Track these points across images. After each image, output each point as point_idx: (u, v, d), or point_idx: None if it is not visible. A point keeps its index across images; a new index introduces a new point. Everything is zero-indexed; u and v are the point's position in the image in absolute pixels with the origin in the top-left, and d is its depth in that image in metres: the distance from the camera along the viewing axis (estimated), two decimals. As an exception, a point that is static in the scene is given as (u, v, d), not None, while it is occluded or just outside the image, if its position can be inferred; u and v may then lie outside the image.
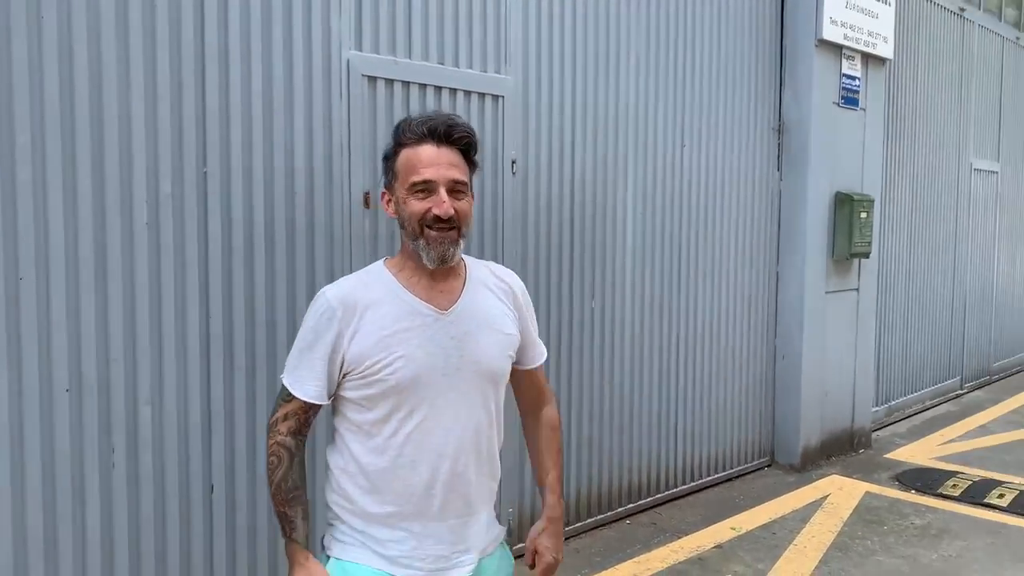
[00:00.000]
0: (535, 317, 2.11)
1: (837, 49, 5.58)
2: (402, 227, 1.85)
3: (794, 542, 4.38)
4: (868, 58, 5.86)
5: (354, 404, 1.82)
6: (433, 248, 1.78)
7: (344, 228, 3.35)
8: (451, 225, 1.79)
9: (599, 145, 4.40)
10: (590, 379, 4.43)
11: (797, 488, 5.23)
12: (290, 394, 1.82)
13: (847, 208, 5.63)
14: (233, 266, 3.05)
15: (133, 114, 2.77)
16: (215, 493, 3.05)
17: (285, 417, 1.83)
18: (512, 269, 3.40)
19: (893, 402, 6.97)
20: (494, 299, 1.94)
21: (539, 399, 2.12)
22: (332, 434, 1.94)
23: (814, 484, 5.33)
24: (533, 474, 2.17)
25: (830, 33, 5.43)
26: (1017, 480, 5.37)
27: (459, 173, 1.82)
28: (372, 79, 3.41)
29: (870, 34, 5.79)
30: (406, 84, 3.52)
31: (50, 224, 2.62)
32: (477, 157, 1.93)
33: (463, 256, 1.93)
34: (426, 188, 1.78)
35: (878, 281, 6.34)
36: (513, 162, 3.95)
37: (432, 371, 1.79)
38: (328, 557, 1.88)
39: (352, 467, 1.83)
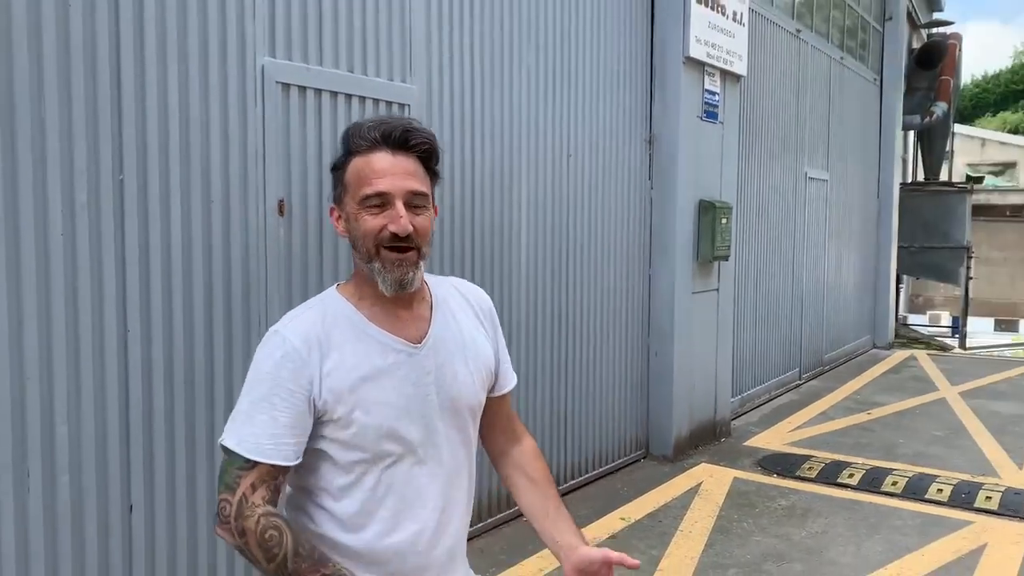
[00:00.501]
0: (499, 326, 1.88)
1: (700, 66, 5.99)
2: (354, 247, 1.60)
3: (680, 528, 4.69)
4: (726, 75, 6.32)
5: (327, 457, 1.58)
6: (389, 272, 1.55)
7: (259, 236, 3.30)
8: (410, 244, 1.55)
9: (496, 153, 4.53)
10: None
11: (673, 477, 5.58)
12: (248, 461, 1.50)
13: (710, 215, 6.05)
14: (151, 277, 2.94)
15: (47, 119, 2.63)
16: (134, 512, 2.94)
17: (253, 488, 1.49)
18: None
19: (745, 393, 7.53)
20: (466, 320, 1.75)
21: (515, 429, 1.89)
22: (289, 496, 1.69)
23: (687, 473, 5.70)
24: (537, 527, 1.85)
25: (695, 51, 5.82)
26: (860, 460, 5.96)
27: (418, 183, 1.57)
28: (286, 86, 3.37)
29: (728, 52, 6.25)
30: (318, 91, 3.50)
31: (-39, 235, 2.45)
32: (438, 167, 1.68)
33: (425, 275, 1.68)
34: (381, 202, 1.54)
35: (734, 282, 6.83)
36: (418, 170, 4.00)
37: (411, 415, 1.59)
38: None
39: (326, 527, 1.60)
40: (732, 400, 7.06)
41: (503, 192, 4.59)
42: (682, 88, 5.81)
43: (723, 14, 6.14)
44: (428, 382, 1.62)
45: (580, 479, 5.33)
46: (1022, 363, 11.45)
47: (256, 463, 1.50)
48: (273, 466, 1.51)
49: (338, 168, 1.62)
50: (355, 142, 1.58)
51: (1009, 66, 66.19)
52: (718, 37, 6.10)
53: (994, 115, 60.29)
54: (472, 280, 4.23)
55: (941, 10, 16.51)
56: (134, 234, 2.88)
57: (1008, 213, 34.74)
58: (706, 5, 5.90)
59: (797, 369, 8.78)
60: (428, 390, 1.62)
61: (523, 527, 4.59)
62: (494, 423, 1.85)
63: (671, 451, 5.93)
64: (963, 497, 5.17)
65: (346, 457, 1.57)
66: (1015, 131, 52.41)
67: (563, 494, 5.12)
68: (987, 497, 5.16)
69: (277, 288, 3.36)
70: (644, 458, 6.00)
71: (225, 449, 1.54)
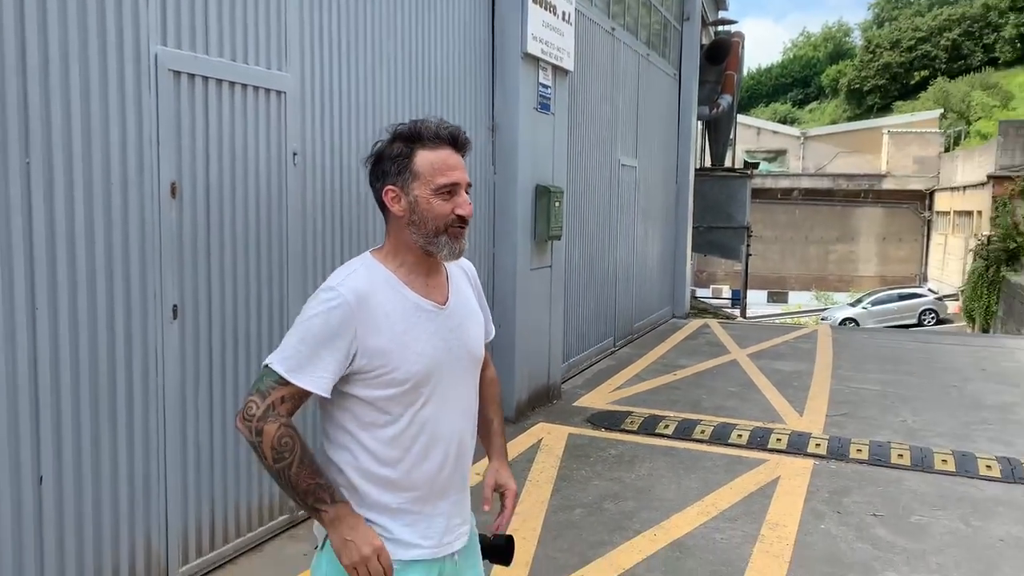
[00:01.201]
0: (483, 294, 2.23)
1: (536, 61, 6.53)
2: (416, 224, 1.91)
3: (529, 478, 5.24)
4: (557, 70, 6.90)
5: (367, 402, 1.88)
6: (455, 244, 1.92)
7: (155, 216, 3.46)
8: (466, 224, 1.95)
9: (362, 136, 4.81)
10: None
11: (517, 436, 6.13)
12: (286, 380, 1.81)
13: (545, 198, 6.63)
14: (57, 257, 3.06)
15: (-38, 102, 2.70)
16: (44, 483, 3.06)
17: (282, 400, 1.81)
18: (295, 255, 3.82)
19: (572, 360, 8.24)
20: (468, 288, 2.12)
21: (485, 364, 2.22)
22: (332, 432, 1.95)
23: (528, 432, 6.29)
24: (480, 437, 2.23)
25: (532, 48, 6.35)
26: (672, 414, 6.79)
27: (467, 175, 1.96)
28: (177, 73, 3.53)
29: (559, 49, 6.83)
30: (205, 79, 3.68)
31: None
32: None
33: None
34: (451, 190, 1.91)
35: (564, 259, 7.48)
36: (295, 154, 4.25)
37: (440, 364, 1.93)
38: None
39: (365, 462, 1.91)
40: (562, 366, 7.73)
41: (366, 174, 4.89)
42: (520, 81, 6.32)
43: (555, 13, 6.70)
44: (451, 337, 1.97)
45: (434, 442, 5.75)
46: (796, 328, 13.09)
47: (290, 383, 1.81)
48: (303, 390, 1.82)
49: (402, 155, 1.92)
50: (424, 139, 1.90)
51: (779, 60, 72.82)
52: (550, 35, 6.66)
53: (767, 105, 66.15)
54: (340, 249, 4.54)
55: (726, 9, 18.13)
56: (40, 214, 2.98)
57: (779, 196, 38.53)
58: (541, 5, 6.43)
59: (612, 337, 9.64)
60: (452, 343, 1.97)
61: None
62: None
63: (513, 413, 6.48)
64: (758, 440, 6.10)
65: (385, 400, 1.88)
66: (784, 121, 57.88)
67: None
68: (777, 439, 6.11)
69: (171, 265, 3.53)
70: (487, 421, 6.51)
71: (267, 366, 1.84)
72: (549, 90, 6.79)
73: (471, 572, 2.14)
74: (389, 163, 1.96)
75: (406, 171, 1.93)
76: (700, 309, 15.18)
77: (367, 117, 4.85)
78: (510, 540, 2.27)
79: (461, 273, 2.14)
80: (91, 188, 3.17)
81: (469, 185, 1.98)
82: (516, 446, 5.90)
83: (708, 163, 17.95)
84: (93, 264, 3.19)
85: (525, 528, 4.46)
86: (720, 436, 6.18)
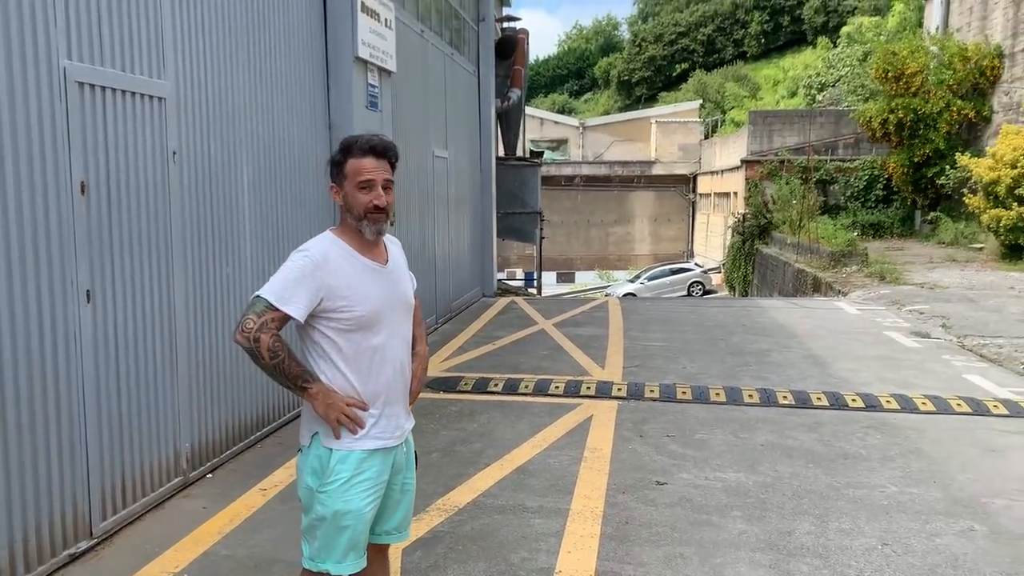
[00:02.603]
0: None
1: (364, 64, 7.22)
2: (348, 211, 2.67)
3: (385, 434, 6.00)
4: (382, 71, 7.62)
5: (337, 331, 2.63)
6: (372, 225, 2.67)
7: (68, 211, 3.90)
8: (383, 211, 2.67)
9: (227, 136, 5.34)
10: (223, 325, 5.37)
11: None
12: (275, 307, 2.53)
13: (378, 188, 7.34)
14: (-3, 248, 3.47)
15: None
16: (-6, 449, 3.48)
17: (272, 320, 2.54)
18: (177, 237, 4.36)
19: (400, 336, 9.01)
20: (399, 257, 2.88)
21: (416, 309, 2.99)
22: (313, 359, 2.65)
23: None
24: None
25: (362, 52, 7.04)
26: (498, 376, 7.76)
27: (389, 175, 2.68)
28: (82, 84, 3.97)
29: (383, 52, 7.56)
30: (103, 88, 4.13)
31: None
32: (397, 164, 2.81)
33: None
34: (368, 185, 2.65)
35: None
36: (174, 152, 4.74)
37: (384, 304, 2.69)
38: (328, 449, 2.65)
39: (338, 378, 2.65)
40: (393, 342, 8.48)
41: (232, 170, 5.42)
42: (353, 83, 7.00)
43: (379, 20, 7.42)
44: (391, 287, 2.76)
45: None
46: (590, 301, 14.58)
47: (279, 309, 2.55)
48: (285, 314, 2.56)
49: (337, 163, 2.69)
50: (354, 150, 2.66)
51: (556, 53, 76.49)
52: (376, 40, 7.37)
53: (546, 96, 69.32)
54: (206, 235, 5.09)
55: (509, 5, 19.37)
56: (-17, 212, 3.40)
57: (563, 183, 41.06)
58: (367, 13, 7.13)
59: (435, 315, 10.50)
60: (391, 292, 2.76)
61: (263, 451, 5.59)
62: None
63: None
64: (572, 390, 7.21)
65: (348, 330, 2.66)
66: (563, 111, 61.12)
67: (290, 421, 6.13)
68: (587, 387, 7.25)
69: (84, 252, 3.99)
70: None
71: (257, 296, 2.56)
72: (376, 89, 7.50)
73: (410, 462, 2.96)
74: (333, 167, 2.76)
75: (340, 173, 2.71)
76: (503, 290, 16.38)
77: (228, 117, 5.38)
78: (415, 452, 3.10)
79: (394, 245, 2.94)
80: (19, 188, 3.59)
81: (390, 182, 2.74)
82: (368, 409, 6.62)
83: (502, 153, 19.15)
84: (22, 254, 3.61)
85: (393, 470, 5.23)
86: (541, 389, 7.23)
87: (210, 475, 5.17)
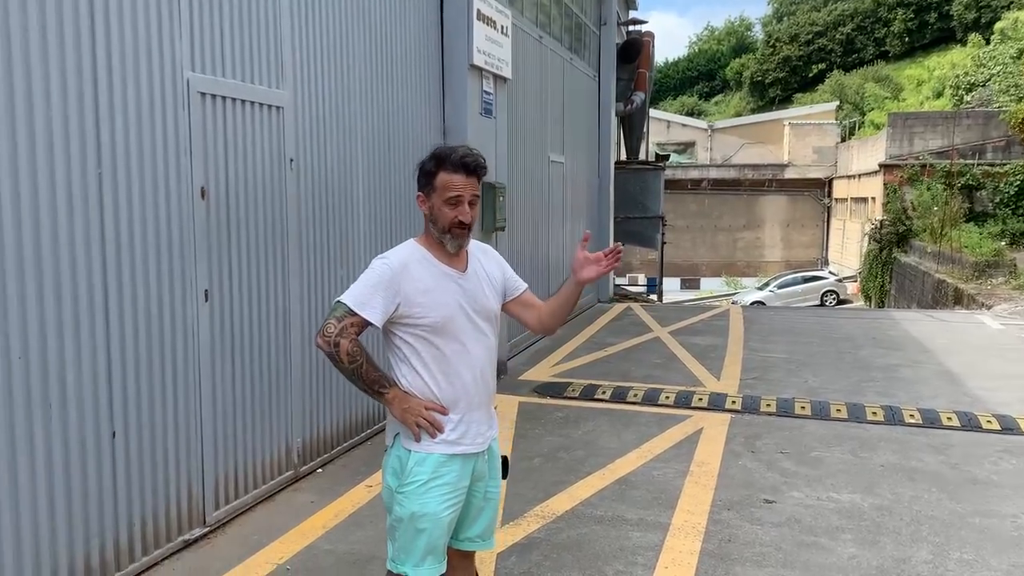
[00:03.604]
0: (506, 264, 2.96)
1: (479, 71, 7.31)
2: (433, 222, 2.71)
3: (491, 438, 6.04)
4: (497, 78, 7.70)
5: (415, 336, 2.68)
6: (456, 240, 2.72)
7: (189, 216, 4.12)
8: (467, 226, 2.71)
9: (343, 143, 5.52)
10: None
11: (474, 405, 6.92)
12: (355, 312, 2.60)
13: (491, 194, 7.42)
14: (121, 250, 3.70)
15: (37, 131, 3.34)
16: (116, 438, 3.71)
17: (352, 326, 2.61)
18: (293, 243, 4.45)
19: (514, 339, 9.07)
20: (484, 263, 2.88)
21: (537, 306, 2.97)
22: (395, 362, 2.72)
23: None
24: (557, 303, 2.94)
25: (477, 59, 7.13)
26: (607, 382, 7.69)
27: (476, 191, 2.71)
28: (203, 94, 4.19)
29: (499, 59, 7.63)
30: (223, 98, 4.34)
31: (4, 232, 3.14)
32: (484, 178, 2.80)
33: None
34: (456, 201, 2.68)
35: (508, 249, 8.28)
36: (291, 160, 4.93)
37: (460, 311, 2.71)
38: (408, 451, 2.69)
39: (417, 381, 2.70)
40: (506, 344, 8.55)
41: (348, 175, 5.60)
42: (467, 90, 7.09)
43: (495, 27, 7.50)
44: (468, 295, 2.77)
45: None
46: (711, 308, 14.24)
47: (356, 314, 2.62)
48: (366, 320, 2.62)
49: (430, 173, 2.71)
50: (447, 164, 2.68)
51: (686, 54, 75.22)
52: (492, 47, 7.45)
53: (675, 98, 68.26)
54: (321, 239, 5.24)
55: (636, 8, 19.19)
56: (110, 218, 3.63)
57: (689, 186, 40.28)
58: (483, 21, 7.22)
59: (547, 320, 10.49)
60: (468, 299, 2.77)
61: (372, 447, 5.73)
62: (522, 311, 3.00)
63: (467, 386, 7.25)
64: (683, 400, 7.04)
65: (425, 336, 2.70)
66: (691, 113, 60.03)
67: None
68: (699, 399, 7.07)
69: (203, 253, 4.20)
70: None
71: (339, 302, 2.64)
72: (491, 96, 7.58)
73: (494, 471, 2.95)
74: (422, 175, 2.78)
75: (430, 184, 2.74)
76: (621, 295, 16.21)
77: (344, 124, 5.56)
78: (506, 459, 3.08)
79: (481, 252, 2.94)
80: (143, 191, 3.82)
81: (477, 198, 2.75)
82: (475, 412, 6.68)
83: (624, 157, 18.98)
84: (147, 257, 3.84)
85: (495, 474, 5.26)
86: (650, 398, 7.10)
87: (320, 470, 5.35)
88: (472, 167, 2.74)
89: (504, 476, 3.11)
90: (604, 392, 7.29)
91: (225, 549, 4.19)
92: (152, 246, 3.88)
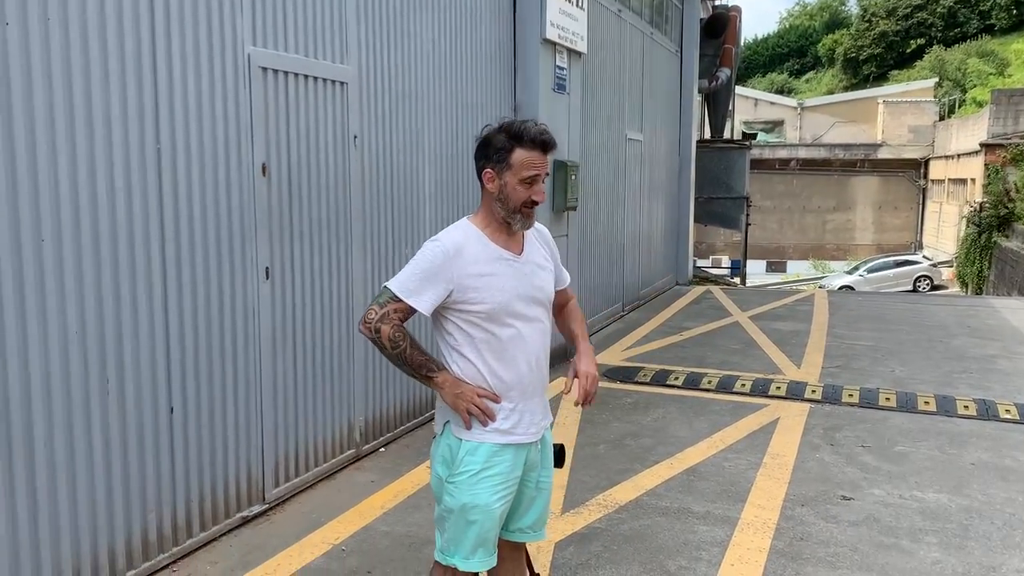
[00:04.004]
0: (556, 249, 2.84)
1: (553, 46, 7.12)
2: (501, 200, 2.54)
3: (556, 422, 5.91)
4: (571, 53, 7.49)
5: (468, 323, 2.54)
6: (526, 220, 2.59)
7: (250, 192, 4.09)
8: (537, 205, 2.58)
9: (408, 120, 5.44)
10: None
11: (541, 388, 6.80)
12: (399, 298, 2.48)
13: (563, 172, 7.25)
14: (180, 227, 3.69)
15: (112, 104, 3.33)
16: (174, 413, 3.72)
17: (396, 312, 2.49)
18: (356, 221, 4.37)
19: (585, 322, 8.89)
20: (540, 246, 2.74)
21: (566, 299, 2.90)
22: (446, 348, 2.58)
23: (550, 385, 6.93)
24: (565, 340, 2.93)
25: (550, 33, 6.94)
26: (680, 368, 7.45)
27: (547, 169, 2.58)
28: (264, 69, 4.14)
29: (573, 33, 7.42)
30: (285, 73, 4.29)
31: (61, 205, 3.14)
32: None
33: None
34: (533, 181, 2.53)
35: (579, 229, 8.10)
36: (355, 136, 4.87)
37: (517, 296, 2.56)
38: (459, 440, 2.57)
39: (469, 368, 2.56)
40: (576, 327, 8.38)
41: (415, 151, 5.51)
42: (540, 65, 6.92)
43: (570, 1, 7.28)
44: (524, 279, 2.61)
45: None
46: (794, 293, 13.76)
47: (402, 300, 2.49)
48: (411, 308, 2.49)
49: (503, 148, 2.52)
50: (524, 140, 2.51)
51: (776, 31, 72.93)
52: (566, 21, 7.24)
53: (764, 76, 66.31)
54: (385, 218, 5.16)
55: (723, -17, 18.55)
56: (169, 195, 3.62)
57: (777, 166, 39.10)
58: (557, -6, 7.02)
59: (621, 302, 10.29)
60: (525, 283, 2.61)
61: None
62: (556, 301, 2.85)
63: (536, 368, 7.13)
64: (760, 388, 6.77)
65: (479, 322, 2.55)
66: (781, 91, 58.18)
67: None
68: (777, 387, 6.78)
69: (265, 232, 4.17)
70: (514, 376, 7.18)
71: (385, 287, 2.53)
72: (565, 72, 7.38)
73: (547, 461, 2.81)
74: (493, 151, 2.59)
75: (504, 161, 2.55)
76: (701, 278, 15.81)
77: (410, 102, 5.47)
78: (561, 448, 2.93)
79: (536, 234, 2.79)
80: (203, 171, 3.80)
81: (547, 175, 2.62)
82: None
83: (707, 135, 18.47)
84: (206, 235, 3.83)
85: (558, 460, 5.13)
86: (725, 386, 6.85)
87: (382, 449, 5.32)
88: (551, 145, 2.60)
89: (559, 465, 2.96)
90: (676, 378, 7.07)
91: (283, 526, 4.19)
92: (212, 222, 3.86)
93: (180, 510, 3.76)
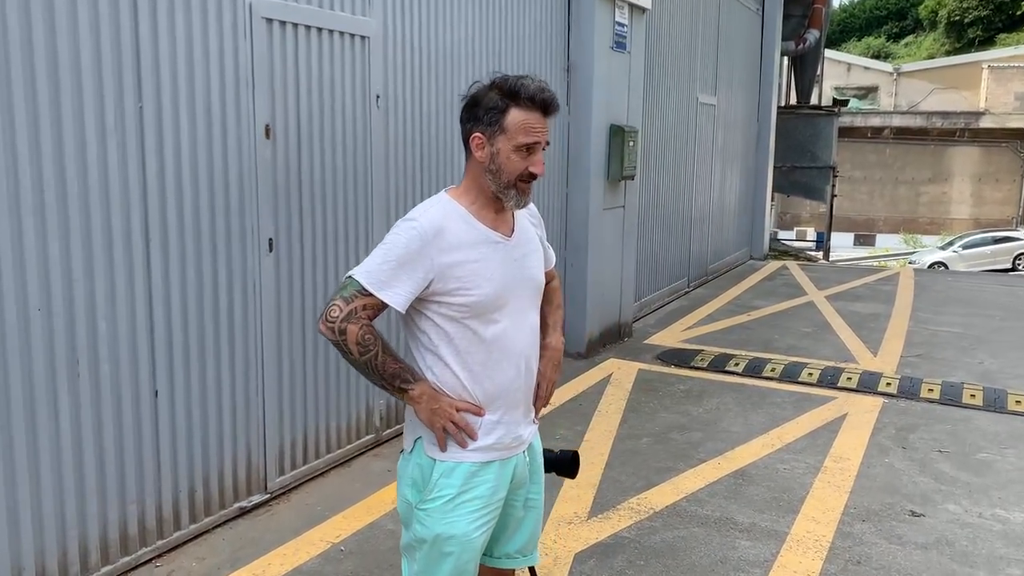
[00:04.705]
0: (542, 224, 2.44)
1: (611, 0, 6.55)
2: (492, 172, 2.11)
3: (598, 409, 5.47)
4: (633, 8, 6.90)
5: (446, 319, 2.11)
6: (521, 196, 2.15)
7: (251, 157, 3.73)
8: (533, 179, 2.15)
9: (443, 80, 5.00)
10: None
11: (588, 371, 6.36)
12: (368, 291, 2.04)
13: (619, 138, 6.71)
14: (167, 191, 3.36)
15: (82, 59, 2.99)
16: (159, 397, 3.42)
17: (364, 308, 2.05)
18: (379, 192, 3.99)
19: (644, 299, 8.38)
20: (528, 224, 2.32)
21: (549, 279, 2.45)
22: (418, 350, 2.17)
23: (599, 366, 6.50)
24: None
25: (608, -13, 6.37)
26: (743, 353, 6.89)
27: (548, 136, 2.14)
28: (269, 21, 3.76)
29: (635, -12, 6.82)
30: (295, 25, 3.90)
31: (18, 162, 2.83)
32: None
33: None
34: (531, 149, 2.10)
35: (637, 199, 7.56)
36: (377, 97, 4.46)
37: (507, 287, 2.14)
38: (432, 460, 2.16)
39: (446, 375, 2.14)
40: (634, 304, 7.89)
41: (450, 115, 5.08)
42: (596, 21, 6.37)
43: (632, -49, 6.69)
44: (516, 265, 2.19)
45: (509, 373, 6.02)
46: (878, 270, 12.88)
47: (371, 294, 2.05)
48: (381, 302, 2.05)
49: (495, 109, 2.08)
50: (520, 98, 2.07)
51: (874, -8, 69.38)
52: (627, -27, 6.66)
53: (859, 40, 63.27)
54: (420, 188, 4.77)
55: (815, -62, 17.38)
56: (152, 156, 3.28)
57: (869, 135, 37.21)
58: (617, -57, 6.43)
59: (686, 278, 9.71)
60: (516, 270, 2.18)
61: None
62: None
63: (584, 349, 6.70)
64: (828, 379, 6.17)
65: (464, 318, 2.11)
66: (878, 56, 55.40)
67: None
68: (848, 378, 6.17)
69: (267, 202, 3.82)
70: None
71: (350, 277, 2.08)
72: (625, 28, 6.81)
73: (536, 474, 2.37)
74: (483, 111, 2.13)
75: (496, 124, 2.10)
76: (781, 252, 15.00)
77: (446, 60, 5.02)
78: (575, 456, 2.50)
79: (525, 211, 2.32)
80: (195, 131, 3.45)
81: (548, 144, 2.16)
82: (586, 380, 6.12)
83: (792, 100, 17.47)
84: (197, 201, 3.49)
85: (593, 453, 4.70)
86: (790, 374, 6.27)
87: (407, 435, 4.97)
88: (552, 107, 2.14)
89: (572, 475, 2.54)
90: (737, 364, 6.51)
91: (284, 519, 3.88)
92: (205, 188, 3.52)
93: (167, 501, 3.48)
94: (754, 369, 6.39)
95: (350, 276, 2.10)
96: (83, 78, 3.00)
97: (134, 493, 3.33)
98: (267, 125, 3.79)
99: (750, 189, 12.36)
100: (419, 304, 2.15)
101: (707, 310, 8.78)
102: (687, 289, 9.74)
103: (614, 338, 7.19)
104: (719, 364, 6.53)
